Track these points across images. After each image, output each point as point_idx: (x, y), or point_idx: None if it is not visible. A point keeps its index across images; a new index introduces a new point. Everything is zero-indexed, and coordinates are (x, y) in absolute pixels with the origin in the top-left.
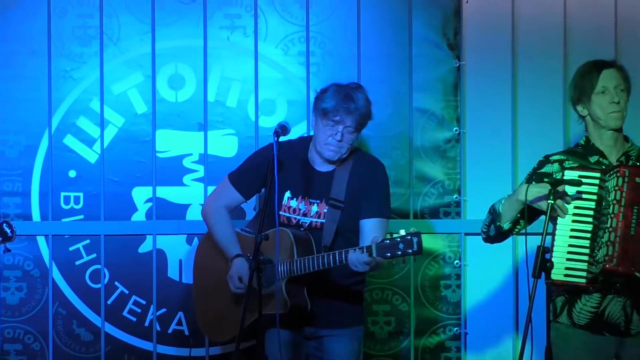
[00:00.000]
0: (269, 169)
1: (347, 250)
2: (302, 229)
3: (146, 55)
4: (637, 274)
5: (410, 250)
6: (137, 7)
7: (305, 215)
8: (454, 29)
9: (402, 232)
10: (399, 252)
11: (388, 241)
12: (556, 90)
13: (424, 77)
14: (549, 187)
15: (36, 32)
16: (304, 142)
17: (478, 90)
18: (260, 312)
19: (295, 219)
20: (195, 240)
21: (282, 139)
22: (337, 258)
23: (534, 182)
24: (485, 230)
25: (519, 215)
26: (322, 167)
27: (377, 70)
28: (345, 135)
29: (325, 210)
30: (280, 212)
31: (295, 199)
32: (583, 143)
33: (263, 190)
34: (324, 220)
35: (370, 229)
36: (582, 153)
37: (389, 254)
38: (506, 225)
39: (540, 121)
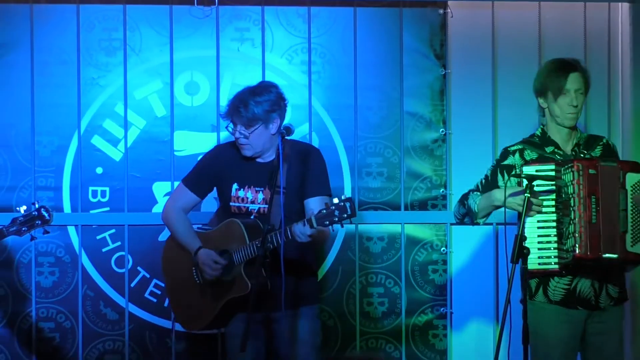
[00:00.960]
0: (223, 159)
1: (291, 225)
2: (252, 216)
3: (165, 64)
4: (605, 255)
5: (345, 215)
6: (157, 22)
7: (253, 202)
8: (440, 40)
9: (335, 200)
10: (336, 218)
11: (325, 211)
12: (532, 95)
13: (413, 84)
14: (521, 192)
15: (66, 44)
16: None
17: (462, 96)
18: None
19: (244, 207)
20: None
21: (228, 140)
22: (283, 234)
23: (510, 183)
24: (459, 218)
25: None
26: (262, 159)
27: (372, 77)
28: (235, 132)
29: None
30: (231, 203)
31: (242, 189)
32: (539, 134)
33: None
34: (266, 206)
35: (314, 206)
36: (539, 143)
37: (327, 222)
38: (481, 221)
39: (518, 123)
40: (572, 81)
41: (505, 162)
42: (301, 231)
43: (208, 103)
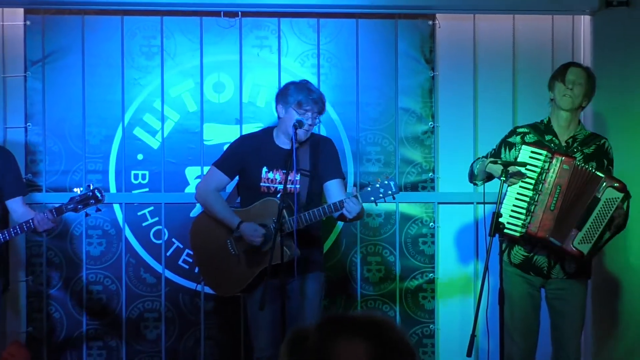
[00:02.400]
0: (256, 149)
1: (342, 200)
2: (278, 195)
3: (196, 67)
4: (550, 238)
5: (390, 192)
6: (189, 30)
7: (280, 183)
8: (430, 47)
9: (381, 180)
10: (381, 195)
11: (369, 188)
12: (507, 94)
13: (406, 84)
14: (516, 169)
15: (112, 49)
16: (267, 131)
17: (448, 94)
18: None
19: (273, 187)
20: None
21: (251, 131)
22: (335, 207)
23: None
24: (469, 178)
25: (485, 178)
26: (288, 146)
27: (371, 78)
28: (313, 120)
29: (297, 178)
30: (261, 184)
31: (271, 171)
32: (545, 122)
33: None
34: (298, 186)
35: (334, 187)
36: (542, 130)
37: (372, 198)
38: (479, 183)
39: (494, 116)
40: (572, 73)
41: (510, 139)
42: (354, 205)
43: (232, 100)
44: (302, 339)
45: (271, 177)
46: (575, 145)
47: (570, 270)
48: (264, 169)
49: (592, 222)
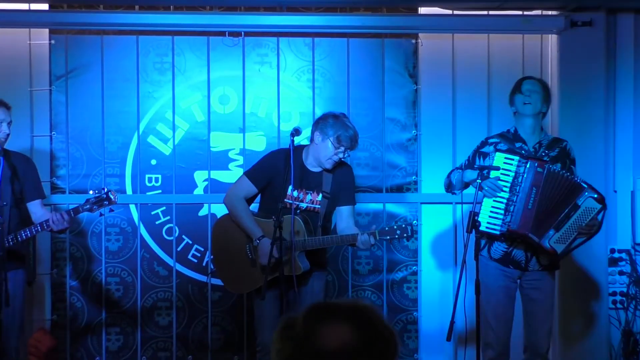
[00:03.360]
0: (285, 166)
1: (355, 234)
2: (298, 211)
3: (203, 81)
4: (530, 235)
5: (405, 235)
6: (197, 48)
7: (301, 201)
8: (413, 63)
9: (399, 223)
10: (396, 236)
11: (387, 228)
12: (482, 105)
13: (392, 96)
14: (486, 185)
15: (128, 65)
16: (298, 149)
17: (429, 105)
18: (282, 272)
19: (295, 204)
20: None
21: (268, 147)
22: (349, 238)
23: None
24: (445, 188)
25: (463, 186)
26: (314, 169)
27: (361, 91)
28: (344, 154)
29: (318, 199)
30: (285, 200)
31: (296, 190)
32: (512, 132)
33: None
34: (319, 206)
35: (347, 213)
36: (511, 138)
37: (388, 237)
38: (457, 192)
39: (471, 125)
40: (527, 83)
41: (483, 150)
42: (366, 240)
43: (236, 111)
44: (291, 326)
45: (295, 195)
46: (542, 150)
47: (544, 263)
48: (291, 188)
49: (569, 226)
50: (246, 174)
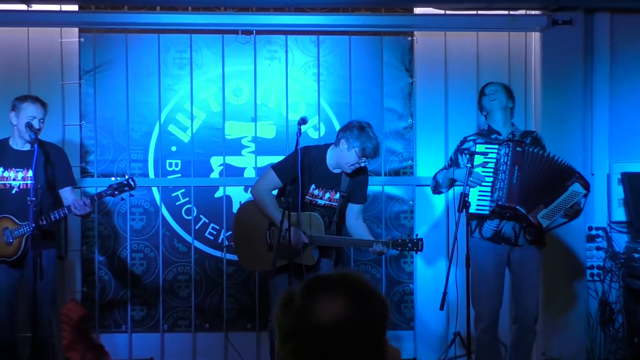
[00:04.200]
0: (309, 163)
1: (372, 242)
2: (314, 205)
3: (218, 75)
4: (518, 207)
5: (415, 248)
6: (213, 45)
7: (320, 198)
8: (409, 59)
9: (412, 237)
10: (407, 249)
11: (400, 240)
12: (471, 96)
13: (390, 89)
14: (471, 175)
15: (150, 61)
16: (322, 150)
17: (423, 97)
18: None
19: (315, 201)
20: (248, 192)
21: (307, 143)
22: (365, 243)
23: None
24: (432, 189)
25: (449, 184)
26: (335, 170)
27: (362, 84)
28: (365, 162)
29: (336, 197)
30: (307, 197)
31: (317, 189)
32: (486, 129)
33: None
34: (335, 204)
35: (357, 210)
36: (486, 133)
37: (400, 248)
38: (444, 191)
39: (461, 115)
40: (488, 88)
41: (464, 147)
42: (379, 249)
43: (248, 102)
44: (290, 301)
45: (316, 193)
46: (516, 139)
47: (531, 238)
48: (313, 186)
49: (557, 204)
50: (274, 168)
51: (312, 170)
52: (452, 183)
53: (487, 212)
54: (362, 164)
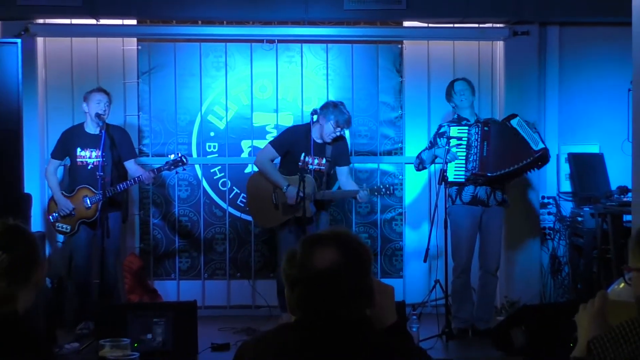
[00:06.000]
0: (302, 138)
1: (356, 191)
2: (308, 170)
3: (247, 75)
4: (488, 174)
5: (388, 193)
6: (243, 51)
7: (311, 164)
8: (399, 62)
9: (386, 184)
10: (382, 193)
11: (375, 186)
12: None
13: (384, 86)
14: (449, 153)
15: (194, 64)
16: (305, 126)
17: (411, 93)
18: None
19: (306, 166)
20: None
21: (294, 123)
22: (352, 193)
23: (444, 150)
24: (416, 166)
25: (432, 161)
26: (318, 141)
27: (361, 82)
28: (341, 132)
29: (323, 162)
30: (299, 163)
31: (307, 156)
32: (456, 117)
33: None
34: (323, 167)
35: (346, 172)
36: (457, 121)
37: (376, 193)
38: (428, 166)
39: (440, 107)
40: (459, 84)
41: (441, 131)
42: (363, 196)
43: (271, 97)
44: (293, 254)
45: (307, 160)
46: (482, 120)
47: (499, 199)
48: (303, 154)
49: (515, 169)
50: (271, 143)
51: (301, 142)
52: (434, 159)
53: (463, 180)
54: (338, 133)
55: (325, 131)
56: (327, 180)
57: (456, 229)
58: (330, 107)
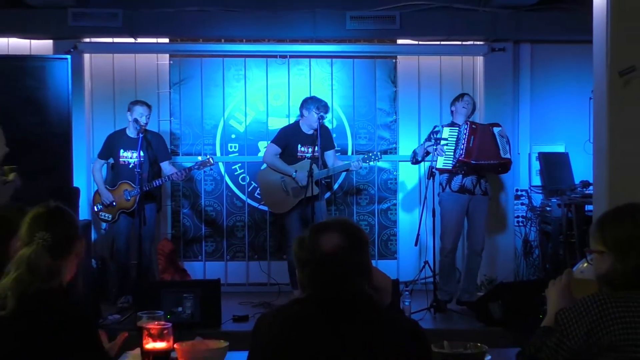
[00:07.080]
0: (290, 132)
1: (349, 163)
2: (305, 159)
3: (263, 85)
4: (471, 162)
5: (376, 159)
6: (260, 65)
7: (307, 153)
8: (394, 74)
9: (374, 153)
10: (372, 159)
11: (365, 155)
12: (436, 100)
13: (381, 94)
14: (436, 145)
15: (217, 76)
16: (294, 124)
17: (404, 100)
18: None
19: (304, 155)
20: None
21: (285, 124)
22: (345, 166)
23: (433, 146)
24: (411, 161)
25: (424, 156)
26: (308, 132)
27: (362, 91)
28: (323, 117)
29: (316, 149)
30: (298, 154)
31: (303, 146)
32: (451, 122)
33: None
34: (317, 154)
35: (332, 154)
36: (451, 124)
37: (368, 160)
38: (420, 159)
39: (429, 113)
40: (466, 98)
41: (435, 130)
42: (356, 165)
43: (284, 104)
44: (303, 239)
45: (303, 150)
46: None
47: (484, 188)
48: (299, 145)
49: (488, 164)
50: (272, 142)
51: (295, 136)
52: (425, 154)
53: (450, 167)
54: (322, 120)
55: (310, 121)
56: (323, 162)
57: (445, 215)
58: (308, 100)
